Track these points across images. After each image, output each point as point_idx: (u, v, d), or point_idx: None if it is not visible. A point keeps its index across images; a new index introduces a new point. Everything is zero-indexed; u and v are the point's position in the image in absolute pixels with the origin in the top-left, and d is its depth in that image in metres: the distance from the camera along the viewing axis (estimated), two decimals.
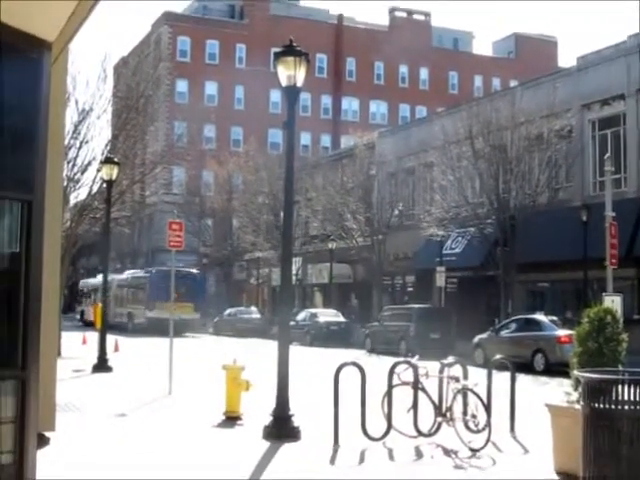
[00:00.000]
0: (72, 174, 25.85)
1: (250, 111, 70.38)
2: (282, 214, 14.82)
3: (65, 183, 23.47)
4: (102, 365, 21.55)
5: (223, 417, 12.88)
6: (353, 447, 10.56)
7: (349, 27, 77.55)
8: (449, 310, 33.45)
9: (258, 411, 12.50)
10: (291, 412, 11.38)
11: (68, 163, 24.95)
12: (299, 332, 37.13)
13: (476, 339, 27.64)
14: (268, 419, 11.34)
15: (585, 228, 27.72)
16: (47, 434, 9.74)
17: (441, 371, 11.62)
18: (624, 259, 24.55)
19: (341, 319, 40.31)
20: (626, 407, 6.97)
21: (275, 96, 68.73)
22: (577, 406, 8.22)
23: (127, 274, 54.13)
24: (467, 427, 11.01)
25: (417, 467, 9.79)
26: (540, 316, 26.87)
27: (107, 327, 23.53)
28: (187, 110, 59.46)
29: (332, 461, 9.99)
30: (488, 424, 10.64)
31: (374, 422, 10.99)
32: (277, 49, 11.99)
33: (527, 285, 34.33)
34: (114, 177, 22.68)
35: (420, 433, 11.16)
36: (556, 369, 21.90)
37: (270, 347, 20.51)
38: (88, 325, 47.49)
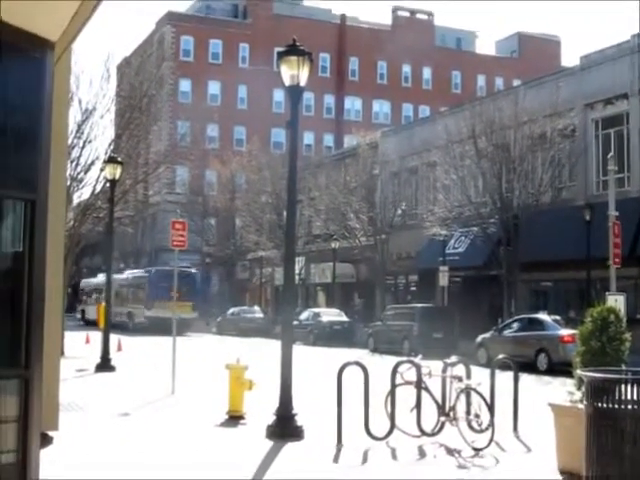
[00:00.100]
0: (75, 173, 25.91)
1: (253, 110, 70.39)
2: (285, 213, 14.84)
3: (68, 182, 23.55)
4: (105, 364, 21.54)
5: (226, 416, 12.87)
6: (356, 446, 10.56)
7: (352, 27, 77.55)
8: (452, 309, 33.41)
9: (261, 410, 12.51)
10: (294, 411, 11.37)
11: (71, 162, 25.00)
12: (302, 331, 37.10)
13: (479, 338, 27.63)
14: (271, 418, 11.34)
15: (588, 227, 27.69)
16: (50, 433, 9.73)
17: (444, 370, 11.62)
18: (627, 258, 24.50)
19: (344, 318, 40.27)
20: (629, 406, 6.96)
21: (278, 95, 68.74)
22: (580, 405, 8.21)
23: (127, 274, 54.35)
24: (470, 426, 11.00)
25: (420, 467, 9.79)
26: (543, 315, 26.82)
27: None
28: (190, 110, 59.39)
29: (335, 460, 10.00)
30: (491, 423, 10.64)
31: (377, 421, 11.00)
32: (280, 49, 11.99)
33: (530, 284, 34.28)
34: (117, 176, 22.66)
35: (423, 432, 11.15)
36: (559, 368, 21.83)
37: (273, 346, 20.50)
38: (89, 324, 47.54)
